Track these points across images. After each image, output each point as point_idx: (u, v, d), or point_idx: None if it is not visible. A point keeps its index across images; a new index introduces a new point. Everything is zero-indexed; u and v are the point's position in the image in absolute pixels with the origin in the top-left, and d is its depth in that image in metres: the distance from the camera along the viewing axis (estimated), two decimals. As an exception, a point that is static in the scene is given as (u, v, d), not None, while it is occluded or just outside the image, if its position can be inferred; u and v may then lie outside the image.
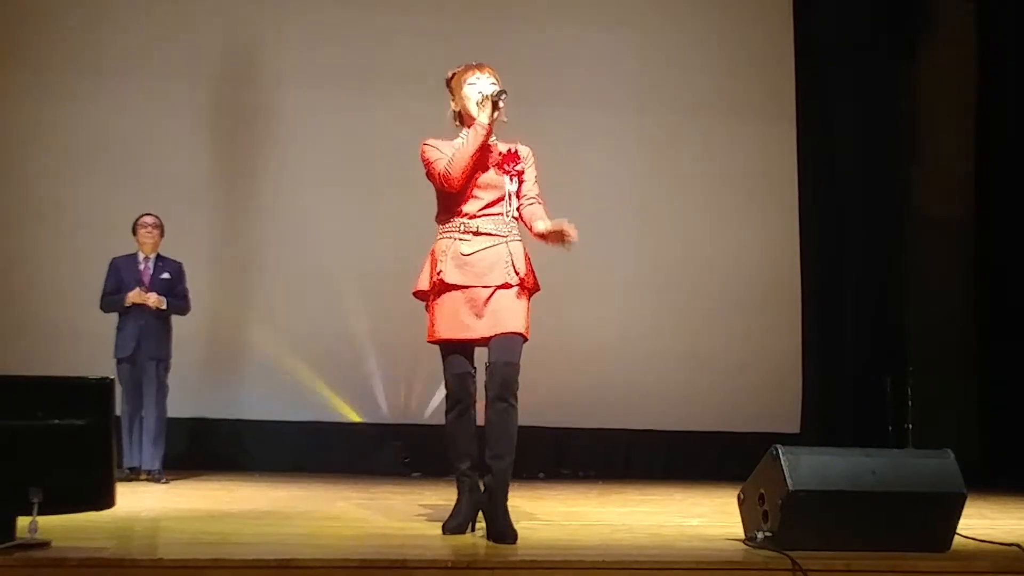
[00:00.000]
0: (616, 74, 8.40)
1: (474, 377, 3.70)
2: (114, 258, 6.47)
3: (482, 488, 3.62)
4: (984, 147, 8.66)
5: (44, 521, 2.85)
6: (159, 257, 6.50)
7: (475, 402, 3.70)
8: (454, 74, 3.82)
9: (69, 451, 2.91)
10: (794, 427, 8.13)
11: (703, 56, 8.53)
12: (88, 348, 6.77)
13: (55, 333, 7.24)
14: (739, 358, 8.14)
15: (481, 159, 3.68)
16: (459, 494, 3.73)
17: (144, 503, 4.62)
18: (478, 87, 3.70)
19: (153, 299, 6.31)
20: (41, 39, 7.74)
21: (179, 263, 6.56)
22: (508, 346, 3.59)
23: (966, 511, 3.41)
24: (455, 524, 3.67)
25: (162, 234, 6.52)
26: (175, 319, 6.48)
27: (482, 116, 3.65)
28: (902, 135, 8.72)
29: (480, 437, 3.63)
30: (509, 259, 3.65)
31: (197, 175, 7.82)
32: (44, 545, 2.86)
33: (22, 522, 2.86)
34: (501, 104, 3.66)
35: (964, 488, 3.38)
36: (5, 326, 7.32)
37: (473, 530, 3.69)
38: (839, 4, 8.71)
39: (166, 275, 6.45)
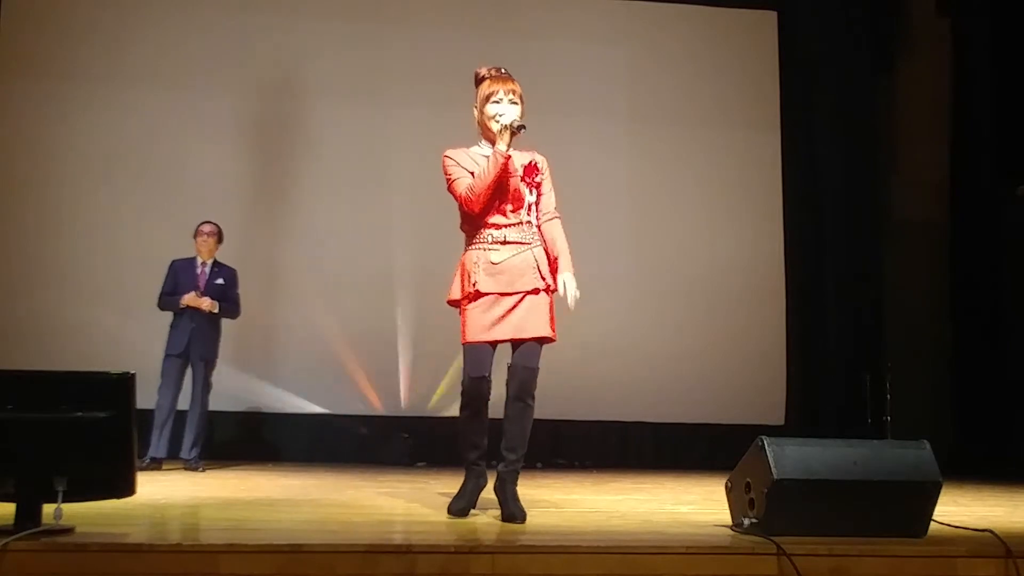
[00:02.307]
0: (611, 85, 8.42)
1: (490, 382, 3.69)
2: (174, 260, 6.51)
3: (496, 474, 3.68)
4: (958, 155, 8.67)
5: (68, 508, 2.85)
6: (215, 263, 6.54)
7: (487, 404, 3.70)
8: (483, 78, 3.77)
9: (92, 442, 2.90)
10: (778, 419, 8.13)
11: (693, 68, 8.55)
12: (123, 345, 6.79)
13: (88, 331, 7.26)
14: (727, 354, 8.15)
15: (502, 177, 3.68)
16: (466, 478, 3.77)
17: (163, 491, 4.61)
18: (500, 107, 3.69)
19: (207, 303, 6.34)
20: (75, 51, 7.77)
21: (233, 269, 6.59)
22: (530, 352, 3.65)
23: (941, 498, 3.40)
24: (459, 506, 3.71)
25: (219, 240, 6.56)
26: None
27: (500, 145, 3.65)
28: (880, 144, 8.73)
29: (494, 429, 3.69)
30: (536, 265, 3.68)
31: (227, 182, 7.84)
32: (68, 531, 2.85)
33: (48, 509, 2.86)
34: (520, 134, 3.67)
35: (940, 477, 3.37)
36: (42, 324, 7.34)
37: (474, 507, 3.75)
38: (822, 20, 8.73)
39: (220, 280, 6.50)
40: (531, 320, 3.63)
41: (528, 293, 3.65)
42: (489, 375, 3.70)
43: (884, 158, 8.74)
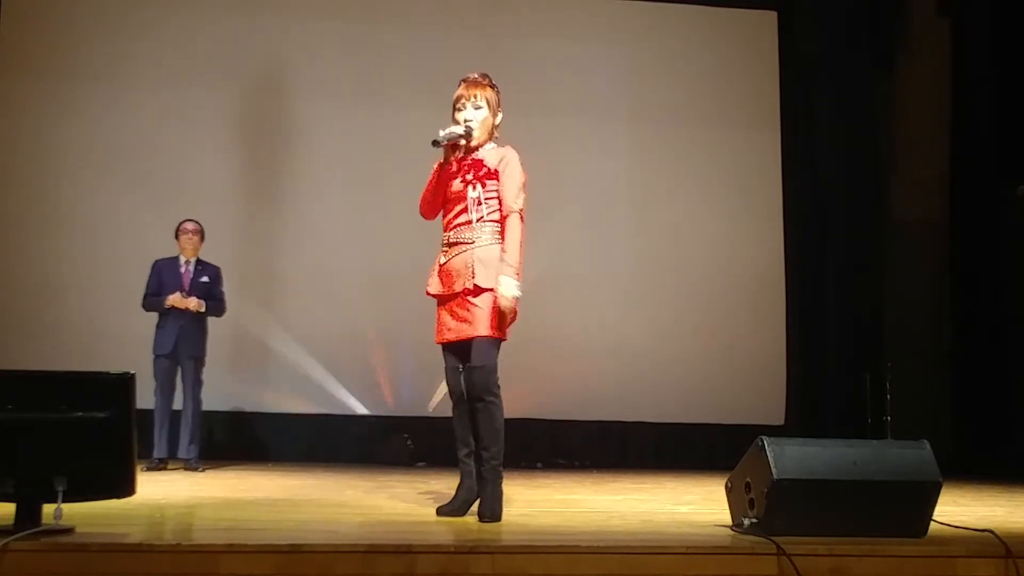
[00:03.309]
0: (611, 85, 8.42)
1: (461, 372, 3.75)
2: (156, 260, 6.49)
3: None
4: (958, 155, 8.67)
5: (68, 508, 2.85)
6: (199, 261, 6.52)
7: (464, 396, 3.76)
8: (459, 84, 3.81)
9: (92, 442, 2.90)
10: (778, 419, 8.14)
11: (693, 68, 8.55)
12: (124, 345, 6.78)
13: (89, 330, 7.26)
14: (727, 354, 8.15)
15: (439, 186, 3.75)
16: (460, 481, 3.79)
17: (163, 491, 4.62)
18: (463, 113, 3.74)
19: (193, 304, 6.33)
20: (74, 51, 7.77)
21: (217, 267, 6.57)
22: (475, 351, 3.65)
23: (941, 498, 3.40)
24: (449, 508, 3.75)
25: (202, 239, 6.53)
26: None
27: (442, 157, 3.72)
28: (880, 143, 8.73)
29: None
30: (471, 266, 3.66)
31: (223, 181, 7.84)
32: (68, 531, 2.85)
33: (48, 509, 2.86)
34: (462, 142, 3.69)
35: (940, 477, 3.37)
36: (42, 324, 7.34)
37: (467, 513, 3.74)
38: (822, 18, 8.72)
39: (205, 279, 6.48)
40: (471, 320, 3.64)
41: (460, 294, 3.67)
42: (460, 367, 3.75)
43: (884, 158, 8.73)
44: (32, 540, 2.72)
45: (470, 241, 3.69)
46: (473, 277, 3.64)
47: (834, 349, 8.46)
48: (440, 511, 3.74)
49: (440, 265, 3.75)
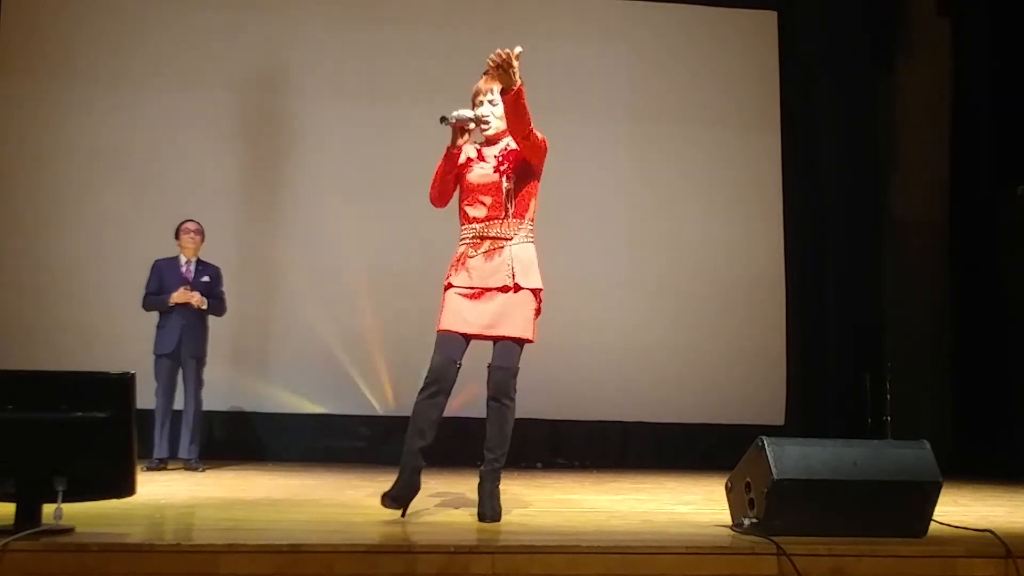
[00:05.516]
0: (611, 85, 8.41)
1: (457, 368, 3.64)
2: (157, 260, 6.49)
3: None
4: (958, 155, 8.67)
5: (68, 508, 2.85)
6: (199, 261, 6.53)
7: (449, 392, 3.64)
8: (482, 75, 3.79)
9: (92, 442, 2.91)
10: (778, 419, 8.13)
11: (693, 68, 8.54)
12: (124, 345, 6.79)
13: (87, 331, 7.26)
14: (727, 354, 8.15)
15: (446, 171, 3.70)
16: (400, 471, 3.65)
17: (163, 491, 4.62)
18: (480, 109, 3.73)
19: (196, 299, 6.35)
20: (75, 51, 7.76)
21: (217, 267, 6.59)
22: (504, 351, 3.62)
23: (941, 498, 3.40)
24: (388, 500, 3.60)
25: (203, 239, 6.54)
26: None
27: (451, 141, 3.68)
28: (881, 143, 8.72)
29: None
30: (510, 263, 3.62)
31: (223, 181, 7.84)
32: (68, 531, 2.86)
33: (48, 509, 2.86)
34: (471, 126, 3.67)
35: (940, 477, 3.37)
36: (42, 325, 7.34)
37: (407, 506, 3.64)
38: (821, 19, 8.72)
39: (206, 278, 6.50)
40: (504, 319, 3.60)
41: (498, 291, 3.61)
42: (458, 362, 3.64)
43: (884, 158, 8.73)
44: (32, 540, 2.72)
45: (507, 237, 3.65)
46: (513, 276, 3.60)
47: (834, 349, 8.45)
48: (383, 502, 3.59)
49: (469, 257, 3.65)
